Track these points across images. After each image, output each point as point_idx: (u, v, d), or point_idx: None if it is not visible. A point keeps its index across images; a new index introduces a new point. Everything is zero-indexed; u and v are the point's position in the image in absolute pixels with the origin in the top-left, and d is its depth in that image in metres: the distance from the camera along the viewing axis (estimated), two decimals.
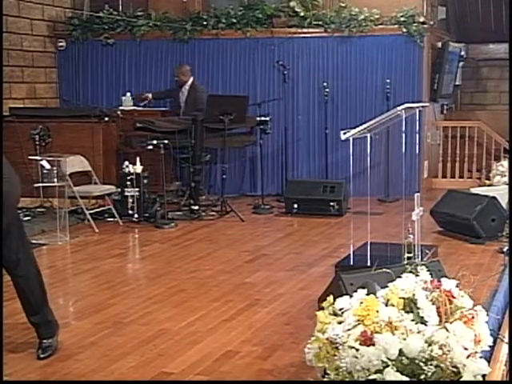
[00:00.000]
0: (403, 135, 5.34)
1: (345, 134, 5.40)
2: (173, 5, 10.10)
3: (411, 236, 4.95)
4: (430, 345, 2.93)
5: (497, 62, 11.83)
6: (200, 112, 8.51)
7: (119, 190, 8.10)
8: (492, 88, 12.08)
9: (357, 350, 2.97)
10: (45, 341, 4.13)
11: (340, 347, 3.04)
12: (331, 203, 8.31)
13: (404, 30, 9.31)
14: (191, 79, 9.43)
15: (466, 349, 2.95)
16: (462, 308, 3.16)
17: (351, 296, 3.35)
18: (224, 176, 8.47)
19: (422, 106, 6.17)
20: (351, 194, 7.99)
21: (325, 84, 9.47)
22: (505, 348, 3.65)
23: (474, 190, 7.77)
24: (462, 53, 11.25)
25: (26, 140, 8.35)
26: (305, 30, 9.62)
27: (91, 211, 7.83)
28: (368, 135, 5.59)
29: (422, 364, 2.89)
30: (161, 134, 8.13)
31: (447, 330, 2.99)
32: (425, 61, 9.60)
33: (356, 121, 7.58)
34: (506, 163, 8.46)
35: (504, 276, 5.36)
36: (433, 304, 3.12)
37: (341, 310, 3.29)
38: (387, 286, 3.31)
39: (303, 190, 8.50)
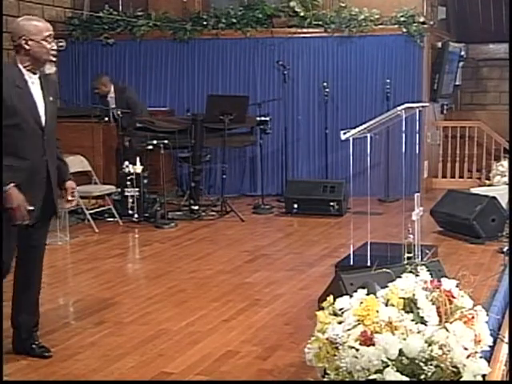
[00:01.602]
0: (403, 135, 5.34)
1: (345, 134, 5.40)
2: (173, 5, 10.10)
3: (411, 236, 4.95)
4: (430, 345, 2.93)
5: (497, 62, 11.81)
6: (135, 115, 8.51)
7: (119, 190, 8.09)
8: (492, 88, 12.07)
9: (357, 349, 2.97)
10: (40, 340, 4.12)
11: (340, 347, 3.04)
12: (331, 203, 8.30)
13: (404, 29, 9.32)
14: (112, 87, 9.35)
15: (466, 349, 2.95)
16: (462, 308, 3.16)
17: (351, 296, 3.35)
18: (224, 176, 8.47)
19: (422, 106, 6.17)
20: (351, 194, 8.00)
21: (325, 84, 9.47)
22: (505, 348, 3.65)
23: (474, 190, 7.77)
24: (462, 53, 11.24)
25: None
26: (305, 30, 9.62)
27: (91, 211, 7.82)
28: (368, 135, 5.59)
29: (422, 364, 2.89)
30: (161, 134, 8.13)
31: (447, 330, 2.99)
32: (425, 61, 9.60)
33: (356, 121, 7.58)
34: (505, 163, 8.46)
35: (504, 276, 5.36)
36: (433, 304, 3.12)
37: (341, 310, 3.29)
38: (387, 286, 3.31)
39: (303, 190, 8.49)
